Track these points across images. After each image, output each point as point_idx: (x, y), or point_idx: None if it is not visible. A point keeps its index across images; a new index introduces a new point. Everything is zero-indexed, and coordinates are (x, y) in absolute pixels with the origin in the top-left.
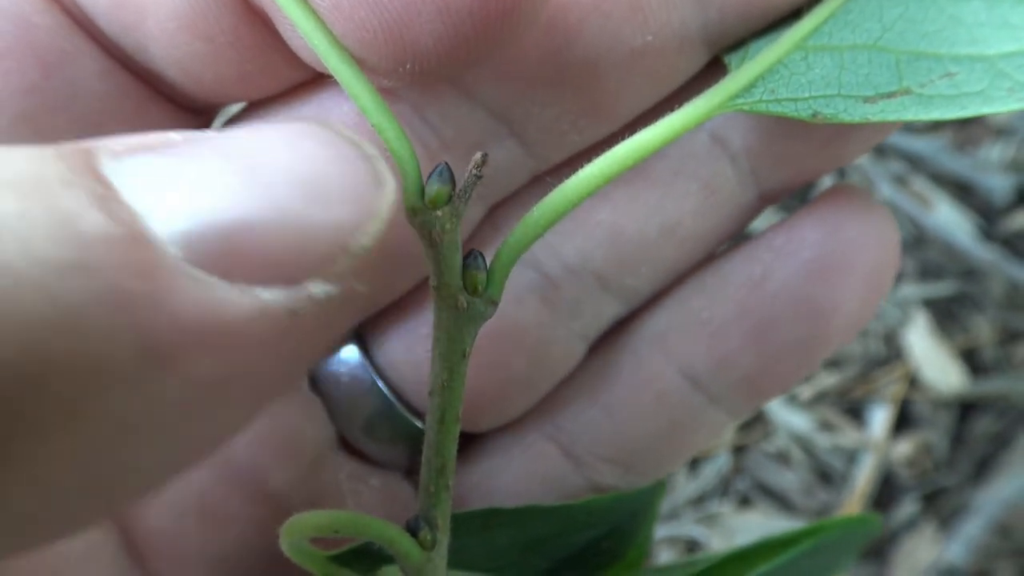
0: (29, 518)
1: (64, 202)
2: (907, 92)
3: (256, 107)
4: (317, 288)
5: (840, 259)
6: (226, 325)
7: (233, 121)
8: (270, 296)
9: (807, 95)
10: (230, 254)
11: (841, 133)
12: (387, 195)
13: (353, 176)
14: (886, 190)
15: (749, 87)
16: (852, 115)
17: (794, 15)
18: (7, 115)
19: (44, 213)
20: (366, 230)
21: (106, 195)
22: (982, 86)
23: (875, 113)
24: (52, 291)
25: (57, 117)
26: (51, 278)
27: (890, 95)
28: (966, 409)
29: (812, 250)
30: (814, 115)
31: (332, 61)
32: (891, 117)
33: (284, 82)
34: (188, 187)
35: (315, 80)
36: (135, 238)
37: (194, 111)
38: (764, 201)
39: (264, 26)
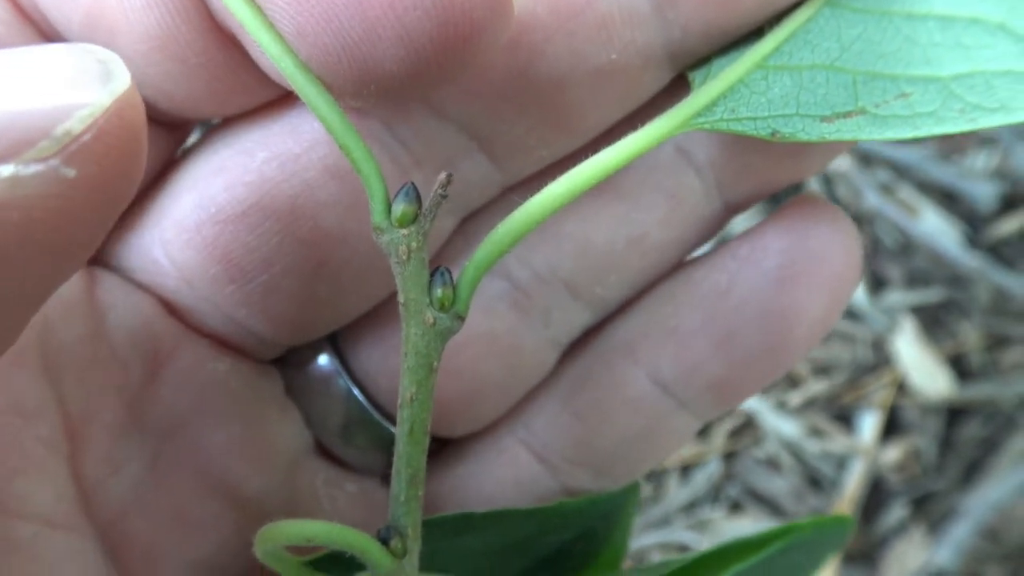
0: None
1: None
2: (862, 112)
3: (228, 123)
4: (4, 169)
5: (803, 268)
6: None
7: (207, 136)
8: None
9: (766, 114)
10: None
11: (800, 148)
12: (112, 88)
13: (67, 68)
14: (873, 199)
15: (710, 106)
16: (809, 134)
17: (757, 33)
18: None
19: None
20: (75, 116)
21: None
22: (934, 107)
23: (831, 132)
24: None
25: None
26: None
27: (846, 115)
28: (954, 414)
29: (776, 259)
30: (773, 134)
31: (299, 83)
32: (847, 136)
33: (255, 99)
34: None
35: (285, 97)
36: None
37: (167, 126)
38: (730, 211)
39: (234, 47)
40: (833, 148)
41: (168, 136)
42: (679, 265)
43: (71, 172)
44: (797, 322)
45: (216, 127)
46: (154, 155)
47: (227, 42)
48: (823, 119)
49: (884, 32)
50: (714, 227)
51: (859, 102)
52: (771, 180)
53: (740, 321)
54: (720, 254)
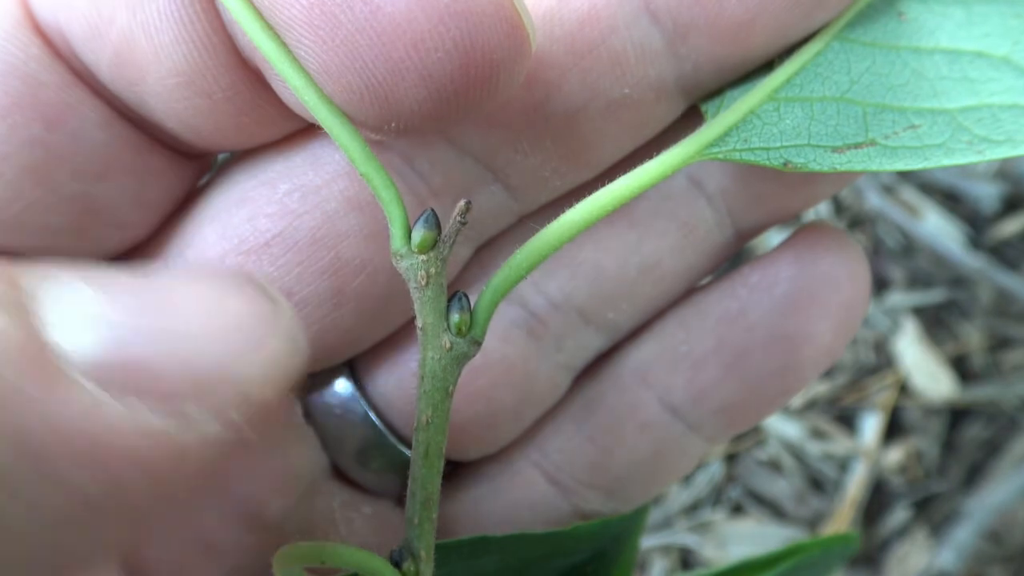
0: None
1: None
2: (873, 143)
3: (249, 154)
4: (199, 415)
5: (813, 295)
6: (109, 438)
7: (227, 166)
8: (155, 418)
9: (778, 144)
10: (124, 380)
11: (811, 177)
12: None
13: (251, 325)
14: (875, 199)
15: (723, 136)
16: (821, 164)
17: (768, 66)
18: (13, 167)
19: None
20: (251, 363)
21: (15, 299)
22: (943, 139)
23: (843, 163)
24: None
25: (61, 167)
26: None
27: (857, 146)
28: (956, 416)
29: (786, 286)
30: (785, 164)
31: (322, 116)
32: (858, 167)
33: (278, 132)
34: (100, 320)
35: (307, 129)
36: (32, 341)
37: (191, 157)
38: (741, 239)
39: (259, 81)
40: (843, 177)
41: (191, 167)
42: (690, 291)
43: (251, 434)
44: (806, 348)
45: (237, 157)
46: (177, 185)
47: (252, 77)
48: (834, 150)
49: (892, 65)
50: (726, 254)
51: (869, 133)
52: (782, 209)
53: (750, 347)
54: (731, 281)
